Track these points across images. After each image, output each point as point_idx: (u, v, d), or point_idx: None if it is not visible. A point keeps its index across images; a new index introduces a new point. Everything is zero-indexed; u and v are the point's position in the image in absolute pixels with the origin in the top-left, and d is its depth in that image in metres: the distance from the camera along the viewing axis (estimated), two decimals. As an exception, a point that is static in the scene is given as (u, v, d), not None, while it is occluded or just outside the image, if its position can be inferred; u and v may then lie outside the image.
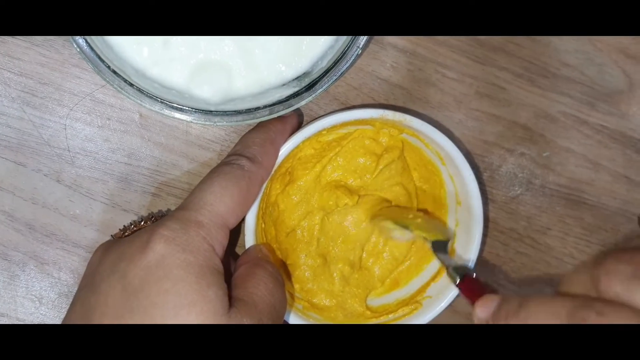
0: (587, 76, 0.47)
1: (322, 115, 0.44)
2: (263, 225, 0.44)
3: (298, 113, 0.45)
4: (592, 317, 0.28)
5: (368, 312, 0.46)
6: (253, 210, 0.41)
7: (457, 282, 0.40)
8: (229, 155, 0.41)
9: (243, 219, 0.41)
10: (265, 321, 0.37)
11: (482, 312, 0.34)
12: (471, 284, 0.40)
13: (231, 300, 0.36)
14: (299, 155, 0.44)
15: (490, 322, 0.34)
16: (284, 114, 0.39)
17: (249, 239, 0.42)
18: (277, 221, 0.45)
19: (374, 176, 0.45)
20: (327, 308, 0.45)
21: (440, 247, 0.43)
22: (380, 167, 0.45)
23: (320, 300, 0.46)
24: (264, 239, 0.44)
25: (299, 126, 0.45)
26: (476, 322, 0.35)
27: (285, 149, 0.41)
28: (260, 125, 0.42)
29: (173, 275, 0.34)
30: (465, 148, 0.46)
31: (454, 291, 0.44)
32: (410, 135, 0.44)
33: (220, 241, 0.37)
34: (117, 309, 0.34)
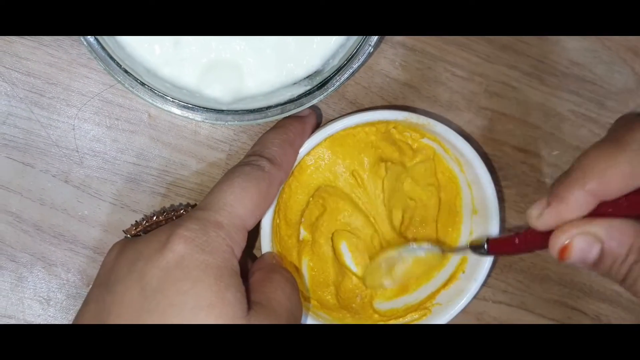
0: (596, 75, 0.46)
1: (342, 115, 0.43)
2: (278, 221, 0.43)
3: (317, 113, 0.44)
4: None
5: (376, 316, 0.45)
6: (269, 212, 0.40)
7: (487, 247, 0.39)
8: (248, 156, 0.40)
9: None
10: None
11: (537, 208, 0.34)
12: (497, 238, 0.40)
13: (249, 303, 0.36)
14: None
15: (555, 217, 0.33)
16: (302, 114, 0.39)
17: (265, 241, 0.41)
18: (285, 215, 0.44)
19: (411, 164, 0.44)
20: (335, 307, 0.45)
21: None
22: (417, 160, 0.44)
23: (327, 298, 0.45)
24: (279, 238, 0.43)
25: (318, 126, 0.44)
26: (535, 220, 0.34)
27: (303, 150, 0.41)
28: (278, 125, 0.42)
29: (192, 276, 0.34)
30: (482, 150, 0.46)
31: (464, 299, 0.43)
32: (431, 140, 0.43)
33: (239, 243, 0.36)
34: (134, 310, 0.34)
